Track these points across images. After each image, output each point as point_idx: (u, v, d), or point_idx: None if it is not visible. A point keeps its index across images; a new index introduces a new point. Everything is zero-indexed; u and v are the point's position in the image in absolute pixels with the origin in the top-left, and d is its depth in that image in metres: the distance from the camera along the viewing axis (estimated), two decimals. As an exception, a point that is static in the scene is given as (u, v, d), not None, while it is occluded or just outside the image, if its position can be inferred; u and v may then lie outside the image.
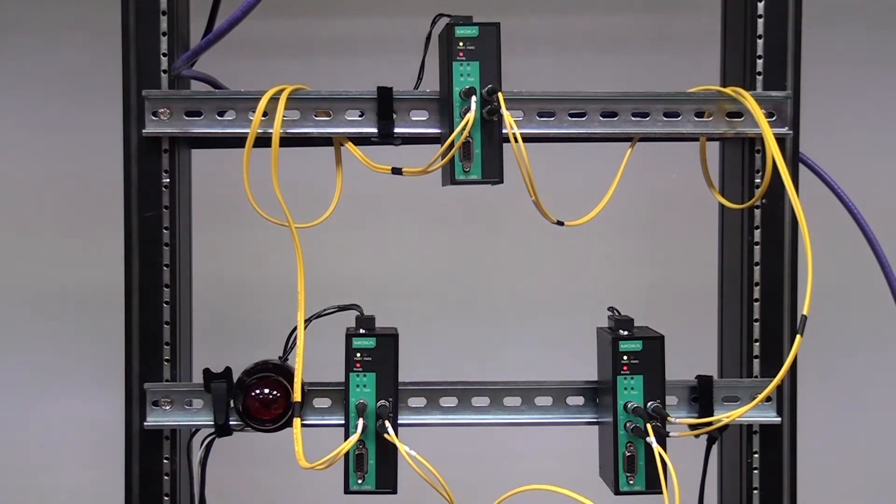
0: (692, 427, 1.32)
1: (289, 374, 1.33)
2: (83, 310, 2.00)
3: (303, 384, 1.32)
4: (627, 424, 1.29)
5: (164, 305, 1.36)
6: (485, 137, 1.27)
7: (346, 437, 1.29)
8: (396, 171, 1.31)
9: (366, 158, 1.31)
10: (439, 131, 1.33)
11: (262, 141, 1.29)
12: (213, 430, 1.35)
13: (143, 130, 1.33)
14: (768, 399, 1.37)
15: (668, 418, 1.27)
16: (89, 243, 1.99)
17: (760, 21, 1.37)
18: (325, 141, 1.36)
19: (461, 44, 1.26)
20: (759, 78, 1.37)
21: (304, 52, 1.99)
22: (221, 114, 1.34)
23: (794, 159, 1.37)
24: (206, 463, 1.37)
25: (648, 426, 1.26)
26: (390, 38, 1.95)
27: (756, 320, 1.39)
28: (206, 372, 1.35)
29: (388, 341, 1.30)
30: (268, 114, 1.30)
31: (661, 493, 1.23)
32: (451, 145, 1.26)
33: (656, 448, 1.24)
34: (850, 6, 1.99)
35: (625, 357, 1.29)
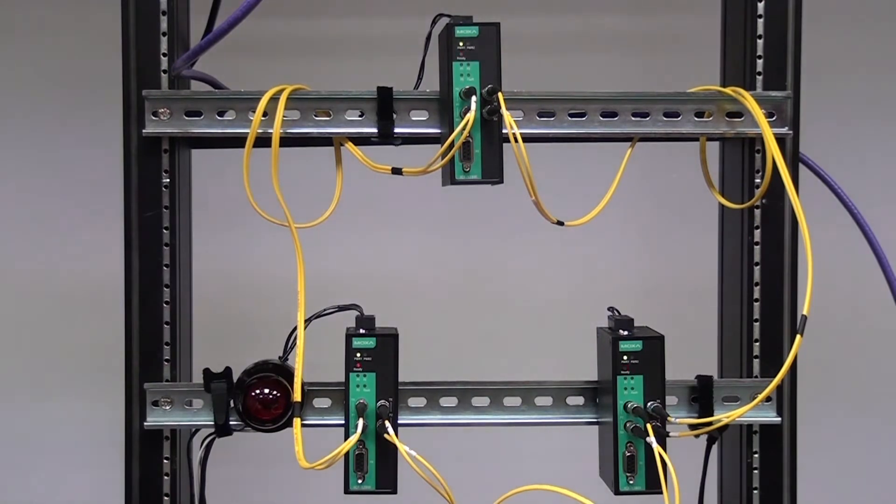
0: (692, 427, 1.32)
1: (289, 374, 1.33)
2: (83, 310, 2.00)
3: (303, 384, 1.32)
4: (627, 424, 1.29)
5: (164, 305, 1.36)
6: (485, 137, 1.27)
7: (346, 437, 1.29)
8: (396, 171, 1.31)
9: (366, 158, 1.31)
10: (439, 131, 1.33)
11: (263, 141, 1.29)
12: (213, 430, 1.35)
13: (143, 130, 1.33)
14: (768, 399, 1.37)
15: (668, 418, 1.27)
16: (89, 243, 1.99)
17: (760, 21, 1.37)
18: (325, 141, 1.36)
19: (461, 44, 1.26)
20: (759, 78, 1.37)
21: (304, 52, 1.99)
22: (221, 114, 1.34)
23: (794, 159, 1.37)
24: (206, 463, 1.37)
25: (648, 426, 1.26)
26: (390, 38, 1.95)
27: (756, 320, 1.39)
28: (206, 372, 1.35)
29: (388, 341, 1.30)
30: (268, 114, 1.30)
31: (661, 493, 1.23)
32: (451, 145, 1.26)
33: (656, 448, 1.24)
34: (850, 6, 1.99)
35: (625, 357, 1.29)
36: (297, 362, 1.30)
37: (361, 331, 1.31)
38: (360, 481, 1.29)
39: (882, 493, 2.07)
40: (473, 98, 1.25)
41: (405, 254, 2.03)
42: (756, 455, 1.39)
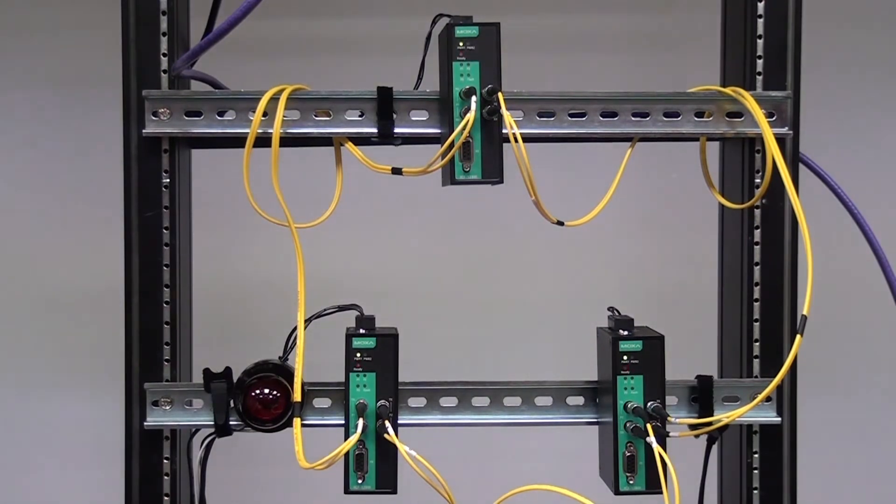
0: (692, 427, 1.32)
1: (289, 374, 1.33)
2: (83, 310, 2.00)
3: (303, 384, 1.32)
4: (627, 424, 1.29)
5: (164, 305, 1.36)
6: (485, 137, 1.27)
7: (346, 437, 1.29)
8: (396, 171, 1.31)
9: (366, 158, 1.31)
10: (439, 131, 1.33)
11: (262, 141, 1.29)
12: (213, 430, 1.35)
13: (143, 130, 1.33)
14: (768, 399, 1.37)
15: (668, 418, 1.27)
16: (89, 243, 1.99)
17: (760, 21, 1.37)
18: (325, 141, 1.36)
19: (461, 44, 1.26)
20: (759, 78, 1.37)
21: (304, 52, 1.99)
22: (221, 114, 1.34)
23: (794, 159, 1.37)
24: (206, 463, 1.37)
25: (648, 426, 1.26)
26: (390, 38, 1.95)
27: (756, 320, 1.39)
28: (206, 372, 1.35)
29: (388, 341, 1.30)
30: (268, 114, 1.30)
31: (661, 493, 1.23)
32: (451, 145, 1.26)
33: (656, 448, 1.24)
34: (850, 6, 1.99)
35: (625, 357, 1.29)
36: (297, 362, 1.30)
37: (361, 331, 1.31)
38: (360, 481, 1.29)
39: (882, 493, 2.07)
40: (473, 98, 1.25)
41: (405, 254, 2.03)
42: (756, 455, 1.39)
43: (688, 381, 1.37)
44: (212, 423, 1.35)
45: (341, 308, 1.34)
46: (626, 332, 1.31)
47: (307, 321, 1.31)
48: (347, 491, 1.30)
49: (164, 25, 1.34)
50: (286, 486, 2.02)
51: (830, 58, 1.95)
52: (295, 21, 2.00)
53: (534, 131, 1.34)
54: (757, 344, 1.39)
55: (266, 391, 1.33)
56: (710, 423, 1.31)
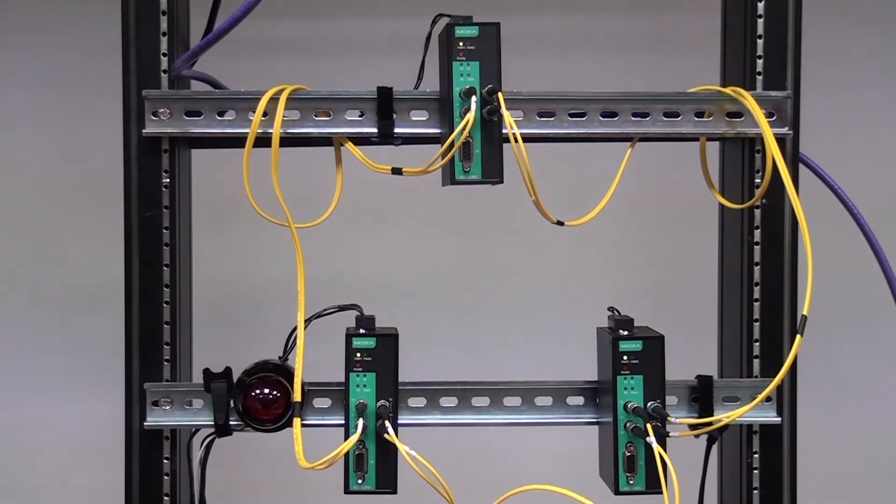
0: (692, 427, 1.32)
1: (289, 374, 1.33)
2: (83, 310, 2.00)
3: (303, 384, 1.32)
4: (627, 424, 1.29)
5: (164, 305, 1.36)
6: (485, 137, 1.27)
7: (346, 437, 1.29)
8: (396, 171, 1.31)
9: (366, 158, 1.31)
10: (439, 131, 1.33)
11: (263, 141, 1.29)
12: (213, 430, 1.35)
13: (143, 130, 1.33)
14: (768, 399, 1.37)
15: (668, 418, 1.27)
16: (89, 243, 1.99)
17: (760, 21, 1.37)
18: (325, 141, 1.36)
19: (461, 44, 1.26)
20: (759, 78, 1.37)
21: (304, 52, 1.99)
22: (221, 114, 1.34)
23: (794, 159, 1.37)
24: (206, 463, 1.37)
25: (648, 426, 1.26)
26: (390, 38, 1.95)
27: (756, 320, 1.39)
28: (206, 372, 1.35)
29: (389, 341, 1.30)
30: (268, 114, 1.30)
31: (661, 493, 1.23)
32: (451, 145, 1.26)
33: (656, 448, 1.24)
34: (850, 6, 1.99)
35: (625, 357, 1.29)
36: (297, 362, 1.30)
37: (361, 331, 1.31)
38: (360, 481, 1.30)
39: (882, 493, 2.06)
40: (473, 98, 1.25)
41: (405, 254, 2.03)
42: (756, 455, 1.39)
43: (688, 381, 1.37)
44: (212, 423, 1.35)
45: (341, 308, 1.34)
46: (626, 332, 1.31)
47: (307, 321, 1.31)
48: (347, 491, 1.30)
49: (164, 25, 1.34)
50: (286, 486, 2.02)
51: (830, 58, 1.95)
52: (295, 21, 1.99)
53: (534, 131, 1.34)
54: (757, 344, 1.39)
55: (266, 391, 1.33)
56: (710, 423, 1.31)
